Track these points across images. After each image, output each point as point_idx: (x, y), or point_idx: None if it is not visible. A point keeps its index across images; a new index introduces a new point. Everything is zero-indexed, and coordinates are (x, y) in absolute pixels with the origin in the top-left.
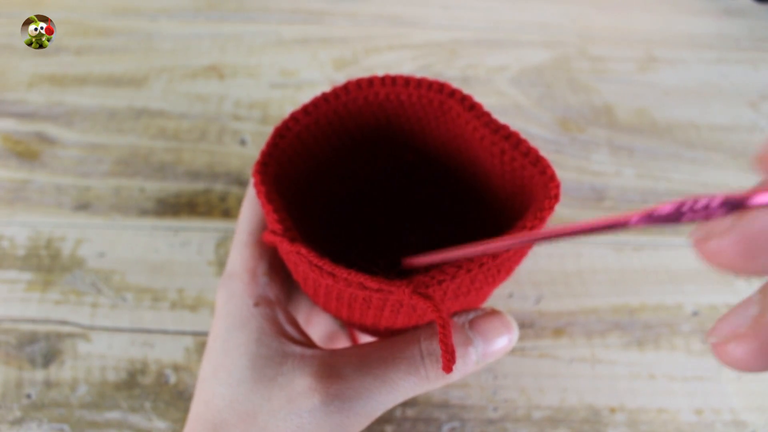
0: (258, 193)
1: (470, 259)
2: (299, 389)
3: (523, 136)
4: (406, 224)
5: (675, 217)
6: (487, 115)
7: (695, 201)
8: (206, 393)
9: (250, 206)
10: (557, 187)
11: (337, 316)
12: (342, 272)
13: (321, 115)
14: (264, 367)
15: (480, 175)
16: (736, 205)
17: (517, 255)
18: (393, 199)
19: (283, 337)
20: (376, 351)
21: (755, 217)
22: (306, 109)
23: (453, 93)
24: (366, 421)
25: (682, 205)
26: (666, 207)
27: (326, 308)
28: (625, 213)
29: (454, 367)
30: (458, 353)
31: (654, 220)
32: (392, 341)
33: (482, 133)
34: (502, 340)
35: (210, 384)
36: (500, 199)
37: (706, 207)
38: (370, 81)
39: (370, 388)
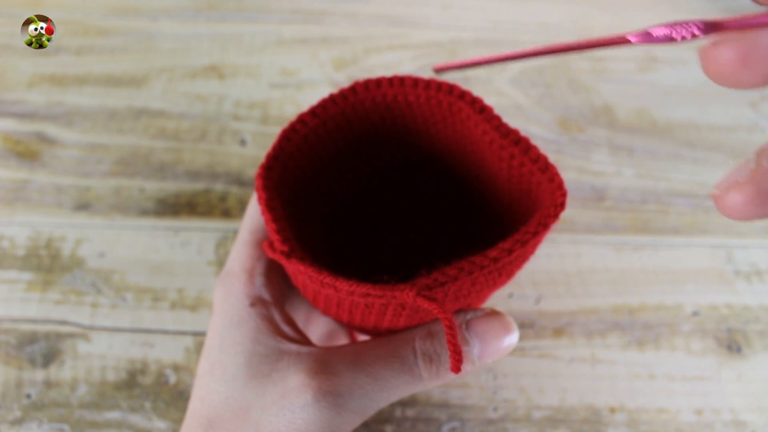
0: (259, 198)
1: (472, 262)
2: (292, 385)
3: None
4: (408, 224)
5: (669, 36)
6: (497, 118)
7: (686, 22)
8: (202, 389)
9: (256, 205)
10: (564, 195)
11: (337, 320)
12: (343, 285)
13: (329, 117)
14: (259, 364)
15: (485, 178)
16: (715, 26)
17: (519, 259)
18: (396, 198)
19: (279, 336)
20: (371, 349)
21: (758, 32)
22: (314, 111)
23: (463, 95)
24: (358, 418)
25: (675, 24)
26: (661, 27)
27: (326, 313)
28: (623, 33)
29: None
30: None
31: (651, 38)
32: (387, 340)
33: (492, 136)
34: (501, 342)
35: (206, 381)
36: (504, 203)
37: (697, 26)
38: (378, 82)
39: (362, 386)
